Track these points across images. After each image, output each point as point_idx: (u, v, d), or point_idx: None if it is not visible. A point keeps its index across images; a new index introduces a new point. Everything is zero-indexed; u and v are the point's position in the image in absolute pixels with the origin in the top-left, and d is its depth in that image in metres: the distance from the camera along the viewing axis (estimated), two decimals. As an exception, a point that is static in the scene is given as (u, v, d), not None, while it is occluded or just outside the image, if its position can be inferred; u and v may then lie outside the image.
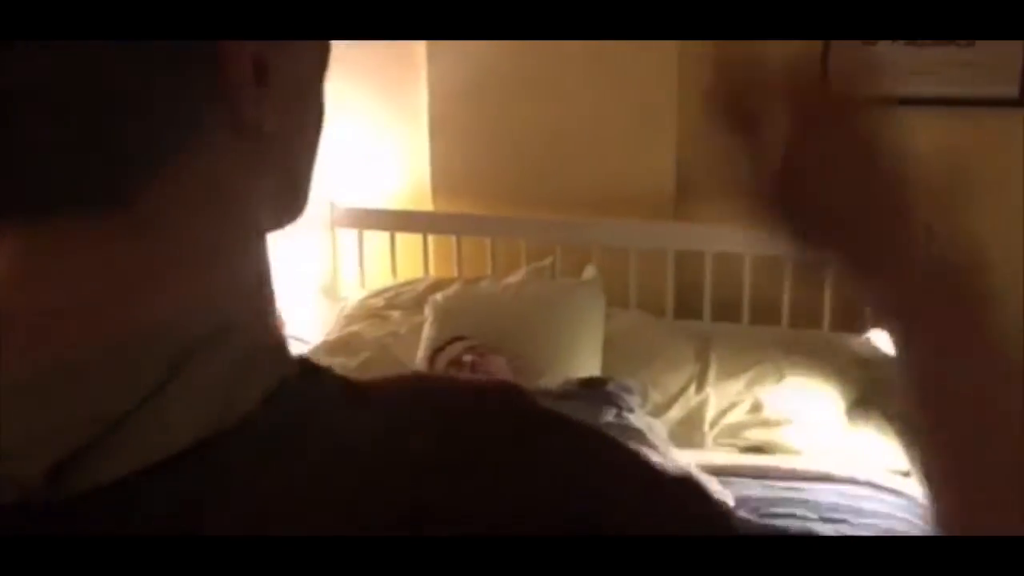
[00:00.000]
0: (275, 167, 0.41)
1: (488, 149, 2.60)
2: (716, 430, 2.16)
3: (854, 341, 2.23)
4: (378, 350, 2.40)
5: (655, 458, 1.77)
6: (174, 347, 0.36)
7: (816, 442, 2.08)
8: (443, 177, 2.66)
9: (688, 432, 2.14)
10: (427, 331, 2.37)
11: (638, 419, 1.93)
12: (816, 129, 0.49)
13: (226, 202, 0.39)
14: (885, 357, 1.83)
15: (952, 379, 0.48)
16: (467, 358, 2.11)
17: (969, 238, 0.50)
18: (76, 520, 0.34)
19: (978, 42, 2.26)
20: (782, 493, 1.89)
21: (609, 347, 2.34)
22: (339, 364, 2.39)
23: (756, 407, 2.16)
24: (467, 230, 2.60)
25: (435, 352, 2.22)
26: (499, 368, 2.12)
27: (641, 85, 2.46)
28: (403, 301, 2.57)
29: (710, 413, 2.18)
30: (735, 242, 2.39)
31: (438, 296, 2.45)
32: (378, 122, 2.70)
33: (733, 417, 2.16)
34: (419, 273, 2.68)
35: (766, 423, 2.13)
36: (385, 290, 2.63)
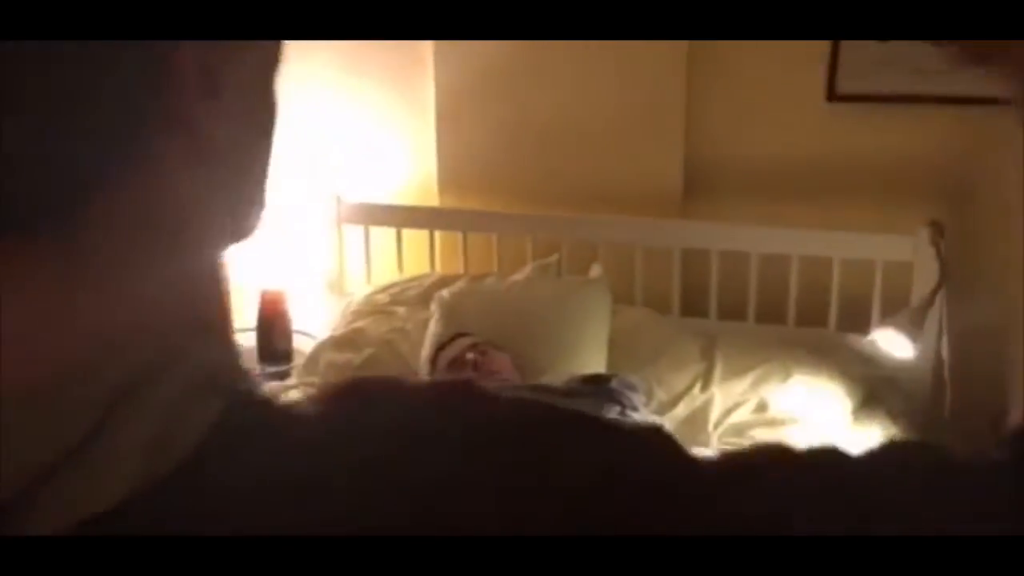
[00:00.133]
0: (225, 181, 0.39)
1: (495, 145, 2.59)
2: (721, 429, 2.15)
3: (861, 341, 2.21)
4: (383, 346, 2.40)
5: None
6: (108, 387, 0.34)
7: (822, 442, 2.07)
8: (450, 173, 2.66)
9: (693, 431, 2.13)
10: (433, 327, 2.37)
11: (642, 417, 1.92)
12: None
13: (173, 221, 0.37)
14: (891, 357, 1.83)
15: None
16: (470, 356, 2.11)
17: None
18: None
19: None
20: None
21: (614, 344, 2.34)
22: (344, 360, 2.40)
23: (762, 406, 2.15)
24: (473, 226, 2.60)
25: (438, 350, 2.21)
26: (503, 366, 2.12)
27: (649, 82, 2.45)
28: (409, 297, 2.56)
29: (715, 412, 2.17)
30: (742, 240, 2.39)
31: (444, 292, 2.44)
32: (385, 117, 2.70)
33: (738, 416, 2.16)
34: (425, 269, 2.68)
35: (772, 423, 2.12)
36: (391, 286, 2.63)
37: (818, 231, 2.34)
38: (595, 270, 2.47)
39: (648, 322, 2.42)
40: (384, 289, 2.62)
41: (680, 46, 2.38)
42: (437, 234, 2.66)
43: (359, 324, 2.49)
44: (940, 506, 0.39)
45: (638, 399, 2.00)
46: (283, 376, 2.58)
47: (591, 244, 2.52)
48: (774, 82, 2.44)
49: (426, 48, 2.58)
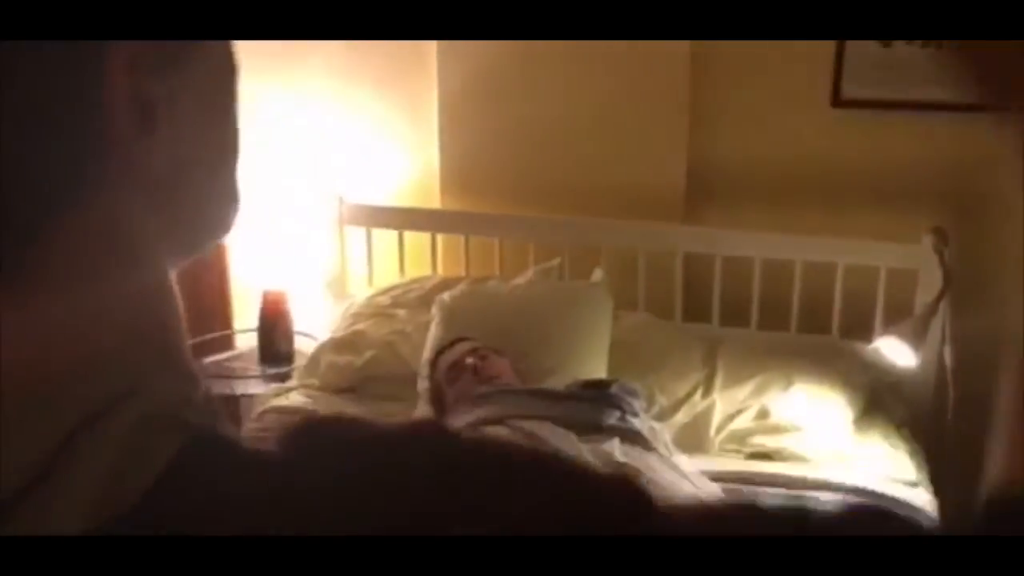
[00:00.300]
0: (173, 207, 0.39)
1: (497, 147, 2.58)
2: (722, 436, 2.14)
3: (863, 348, 2.20)
4: (384, 348, 2.39)
5: (655, 462, 1.75)
6: (60, 426, 0.33)
7: (823, 450, 2.06)
8: (452, 175, 2.65)
9: (694, 437, 2.12)
10: (434, 330, 2.36)
11: (642, 422, 1.91)
12: None
13: (120, 251, 0.37)
14: (894, 366, 1.82)
15: None
16: (469, 360, 2.10)
17: None
18: None
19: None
20: (788, 503, 1.87)
21: (616, 349, 2.33)
22: (345, 362, 2.39)
23: (763, 413, 2.14)
24: (475, 229, 2.59)
25: (438, 354, 2.20)
26: (502, 370, 2.11)
27: (653, 86, 2.44)
28: (410, 299, 2.55)
29: (716, 418, 2.16)
30: (745, 246, 2.37)
31: (445, 296, 2.43)
32: (387, 119, 2.69)
33: (740, 423, 2.14)
34: (427, 271, 2.67)
35: (773, 430, 2.11)
36: (392, 288, 2.62)
37: (822, 237, 2.33)
38: (597, 275, 2.46)
39: (650, 327, 2.41)
40: (385, 291, 2.61)
41: (684, 49, 2.37)
42: (439, 236, 2.65)
43: (360, 326, 2.49)
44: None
45: (638, 404, 1.99)
46: (284, 377, 2.58)
47: (593, 248, 2.51)
48: (779, 87, 2.43)
49: (429, 49, 2.58)
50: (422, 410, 2.18)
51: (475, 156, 2.61)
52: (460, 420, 1.89)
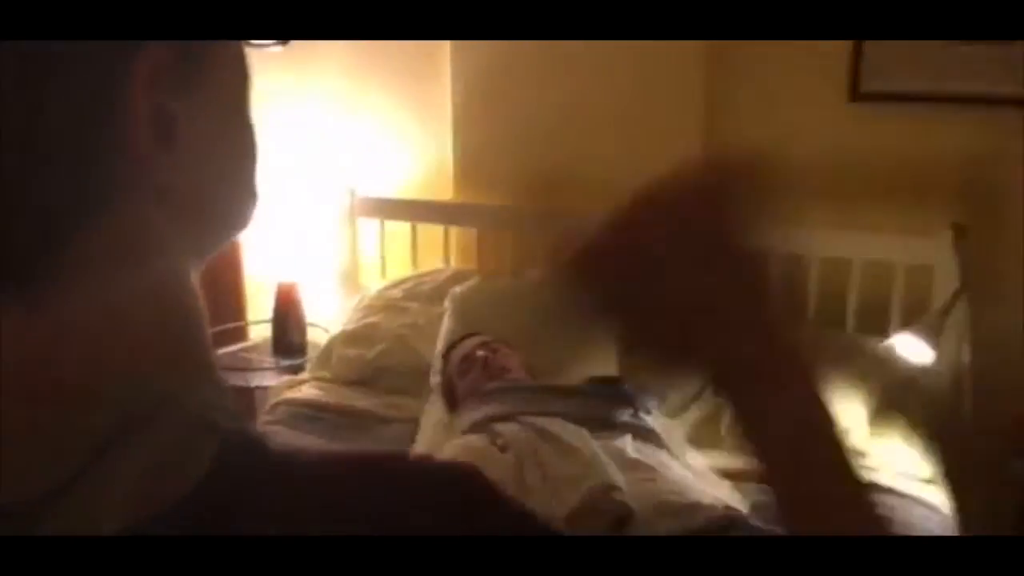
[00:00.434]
0: (193, 215, 0.40)
1: (511, 140, 2.57)
2: (735, 432, 2.13)
3: (879, 345, 2.18)
4: (395, 341, 2.39)
5: (667, 460, 1.73)
6: (97, 431, 0.34)
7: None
8: (466, 167, 2.64)
9: (706, 434, 2.11)
10: (446, 323, 2.35)
11: (655, 420, 1.90)
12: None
13: (145, 262, 0.37)
14: (910, 362, 1.80)
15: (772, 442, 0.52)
16: (480, 353, 2.09)
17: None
18: None
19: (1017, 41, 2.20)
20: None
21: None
22: (356, 354, 2.39)
23: (776, 410, 2.12)
24: (488, 222, 2.58)
25: (449, 349, 2.20)
26: (513, 363, 2.10)
27: (667, 79, 2.42)
28: (422, 292, 2.55)
29: (728, 415, 2.14)
30: (760, 241, 2.35)
31: (456, 289, 2.42)
32: (401, 111, 2.68)
33: (753, 419, 2.13)
34: (439, 264, 2.66)
35: (786, 426, 2.09)
36: (404, 281, 2.62)
37: (838, 232, 2.30)
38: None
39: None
40: (397, 284, 2.61)
41: (699, 43, 2.35)
42: (451, 229, 2.64)
43: (372, 319, 2.48)
44: None
45: (651, 402, 1.98)
46: (297, 369, 2.58)
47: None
48: (796, 80, 2.40)
49: (443, 42, 2.56)
50: (434, 404, 2.18)
51: (488, 149, 2.60)
52: (471, 415, 1.89)
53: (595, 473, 1.61)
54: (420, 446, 2.03)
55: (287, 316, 2.68)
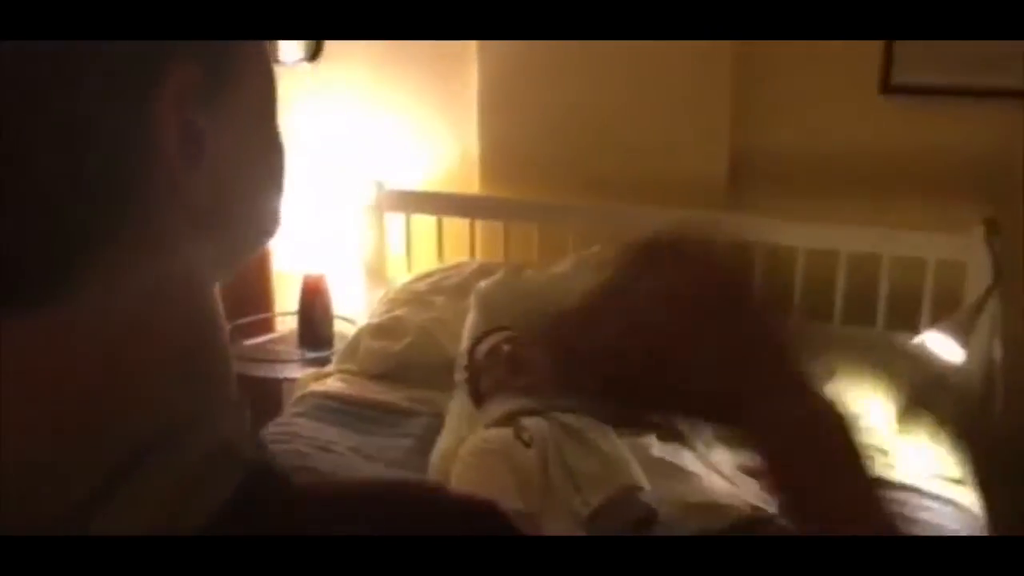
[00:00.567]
0: (217, 233, 0.39)
1: (538, 133, 2.56)
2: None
3: (909, 342, 2.15)
4: (421, 335, 2.39)
5: (689, 460, 1.72)
6: (117, 454, 0.33)
7: (865, 446, 2.02)
8: (492, 161, 2.64)
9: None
10: (471, 318, 2.35)
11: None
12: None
13: (168, 282, 0.37)
14: (940, 360, 1.78)
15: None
16: (506, 348, 2.09)
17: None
18: None
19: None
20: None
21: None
22: (382, 347, 2.39)
23: (804, 407, 2.10)
24: (515, 216, 2.57)
25: (475, 343, 2.20)
26: (537, 360, 2.09)
27: (695, 71, 2.40)
28: (448, 286, 2.55)
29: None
30: (788, 235, 2.33)
31: (482, 284, 2.42)
32: (428, 104, 2.68)
33: (779, 416, 2.11)
34: (465, 257, 2.66)
35: (814, 424, 2.07)
36: (430, 274, 2.62)
37: (868, 227, 2.28)
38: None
39: (690, 317, 2.37)
40: (423, 277, 2.61)
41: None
42: (478, 223, 2.64)
43: (398, 312, 2.49)
44: None
45: None
46: (324, 362, 2.60)
47: (633, 236, 2.47)
48: (825, 72, 2.37)
49: (470, 35, 2.55)
50: (458, 398, 2.18)
51: (515, 142, 2.60)
52: (499, 409, 1.88)
53: (619, 473, 1.61)
54: (444, 440, 2.03)
55: (313, 308, 2.69)
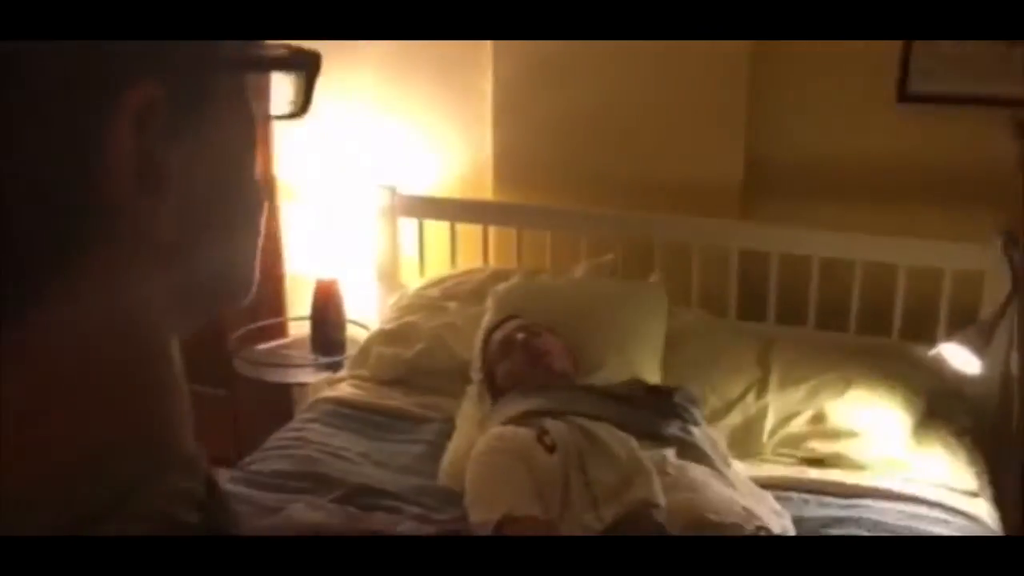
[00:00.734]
0: (179, 275, 0.37)
1: (552, 139, 2.55)
2: (776, 439, 2.09)
3: (925, 353, 2.13)
4: (433, 341, 2.39)
5: (705, 475, 1.69)
6: (41, 521, 0.31)
7: (880, 457, 2.00)
8: (505, 167, 2.63)
9: (746, 440, 2.08)
10: (487, 319, 2.33)
11: (701, 432, 1.85)
12: None
13: (118, 322, 0.34)
14: (957, 372, 1.76)
15: None
16: (520, 336, 2.06)
17: None
18: None
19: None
20: (840, 512, 1.82)
21: (669, 346, 2.28)
22: (394, 353, 2.39)
23: (818, 418, 2.08)
24: (528, 222, 2.57)
25: (490, 332, 2.18)
26: (553, 348, 2.06)
27: (710, 78, 2.38)
28: (461, 292, 2.54)
29: (770, 422, 2.11)
30: (804, 244, 2.31)
31: (500, 287, 2.41)
32: (441, 110, 2.67)
33: (794, 427, 2.09)
34: (478, 263, 2.66)
35: (828, 435, 2.05)
36: (443, 280, 2.61)
37: (884, 237, 2.26)
38: (654, 277, 2.41)
39: (704, 325, 2.36)
40: (436, 283, 2.61)
41: (743, 41, 2.31)
42: (491, 229, 2.63)
43: (410, 318, 2.48)
44: None
45: (699, 414, 1.93)
46: (336, 367, 2.59)
47: (647, 243, 2.47)
48: (843, 80, 2.35)
49: (485, 41, 2.55)
50: (470, 401, 2.16)
51: (528, 148, 2.59)
52: (517, 407, 1.85)
53: (638, 487, 1.58)
54: (455, 444, 2.02)
55: (326, 313, 2.69)
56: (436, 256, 2.71)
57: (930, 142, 2.31)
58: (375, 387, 2.36)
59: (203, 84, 0.36)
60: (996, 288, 2.11)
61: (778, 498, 1.77)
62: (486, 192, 2.66)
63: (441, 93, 2.66)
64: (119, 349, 0.35)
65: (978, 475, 2.00)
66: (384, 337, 2.45)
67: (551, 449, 1.67)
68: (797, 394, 2.13)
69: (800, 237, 2.32)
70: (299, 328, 2.82)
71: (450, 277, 2.61)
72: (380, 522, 1.75)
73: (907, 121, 2.32)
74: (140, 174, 0.33)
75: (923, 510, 1.84)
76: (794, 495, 1.86)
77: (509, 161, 2.62)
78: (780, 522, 1.64)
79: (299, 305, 2.83)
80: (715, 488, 1.64)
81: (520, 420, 1.79)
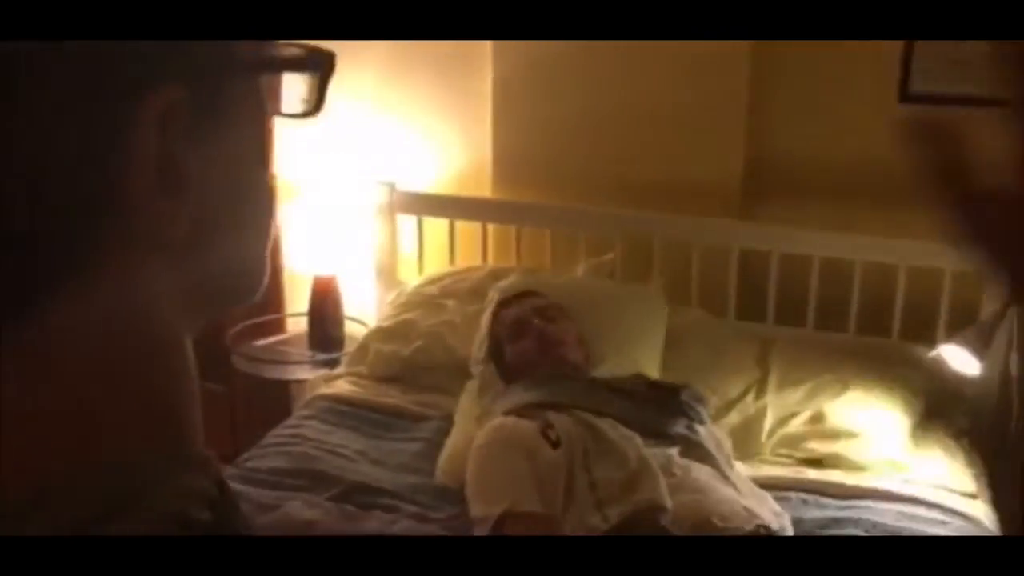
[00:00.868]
0: (194, 273, 0.37)
1: (551, 138, 2.55)
2: (774, 440, 2.09)
3: (924, 354, 2.13)
4: (431, 338, 2.38)
5: (707, 475, 1.68)
6: (56, 521, 0.30)
7: (878, 458, 2.00)
8: (505, 164, 2.62)
9: (745, 440, 2.07)
10: (488, 315, 2.31)
11: (707, 431, 1.84)
12: None
13: (133, 319, 0.35)
14: (956, 373, 1.75)
15: None
16: (536, 322, 2.01)
17: None
18: None
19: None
20: (838, 513, 1.81)
21: (668, 346, 2.28)
22: (391, 351, 2.38)
23: (817, 418, 2.08)
24: (527, 220, 2.56)
25: (501, 305, 2.12)
26: (567, 336, 2.00)
27: (710, 76, 2.38)
28: (459, 290, 2.53)
29: (769, 422, 2.10)
30: (803, 244, 2.31)
31: (502, 283, 2.40)
32: (441, 107, 2.67)
33: (793, 427, 2.09)
34: (477, 261, 2.65)
35: (827, 436, 2.05)
36: (441, 278, 2.61)
37: (884, 237, 2.25)
38: (654, 281, 2.40)
39: (703, 324, 2.36)
40: (435, 281, 2.60)
41: (744, 41, 2.30)
42: (490, 226, 2.63)
43: (408, 315, 2.48)
44: None
45: (705, 413, 1.92)
46: (334, 363, 2.59)
47: (647, 242, 2.46)
48: (843, 80, 2.35)
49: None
50: (469, 396, 2.15)
51: (528, 146, 2.58)
52: (523, 398, 1.83)
53: (644, 488, 1.56)
54: (453, 440, 2.01)
55: (324, 310, 2.68)
56: (435, 253, 2.70)
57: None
58: (373, 384, 2.35)
59: (223, 86, 0.36)
60: (996, 290, 2.11)
61: (777, 498, 1.76)
62: (485, 190, 2.66)
63: (440, 90, 2.66)
64: (136, 346, 0.35)
65: (976, 476, 2.00)
66: (382, 334, 2.45)
67: (555, 444, 1.64)
68: (796, 394, 2.13)
69: (800, 237, 2.32)
70: (297, 324, 2.81)
71: (449, 275, 2.61)
72: (378, 520, 1.74)
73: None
74: (161, 176, 0.33)
75: (921, 511, 1.84)
76: (793, 496, 1.86)
77: (508, 159, 2.61)
78: (780, 522, 1.64)
79: (297, 301, 2.83)
80: (720, 490, 1.62)
81: (523, 412, 1.77)
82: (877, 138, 2.35)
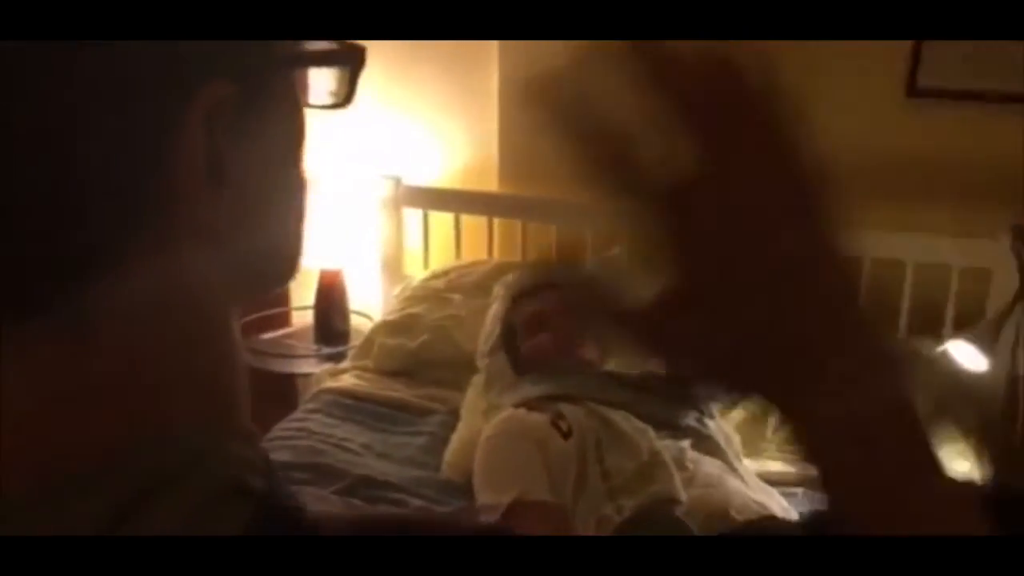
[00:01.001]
0: (236, 259, 0.38)
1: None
2: (780, 436, 2.08)
3: (932, 349, 2.12)
4: (437, 332, 2.38)
5: (718, 469, 1.68)
6: (122, 488, 0.32)
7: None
8: (511, 159, 2.62)
9: (750, 436, 2.07)
10: (495, 309, 2.31)
11: (717, 426, 1.84)
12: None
13: (183, 305, 0.36)
14: (963, 370, 1.74)
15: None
16: (556, 317, 1.95)
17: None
18: None
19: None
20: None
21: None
22: (397, 344, 2.38)
23: (823, 413, 2.07)
24: (533, 214, 2.56)
25: (519, 297, 2.08)
26: (586, 345, 1.98)
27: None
28: (465, 284, 2.54)
29: (774, 418, 2.09)
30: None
31: (508, 277, 2.40)
32: (447, 101, 2.66)
33: (798, 423, 2.08)
34: (483, 255, 2.65)
35: (833, 431, 2.04)
36: (447, 272, 2.61)
37: (891, 233, 2.25)
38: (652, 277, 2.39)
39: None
40: (440, 275, 2.60)
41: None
42: (496, 221, 2.62)
43: (414, 309, 2.48)
44: None
45: (715, 408, 1.91)
46: (339, 357, 2.59)
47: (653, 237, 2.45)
48: (850, 74, 2.34)
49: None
50: (475, 390, 2.15)
51: (535, 140, 2.57)
52: (533, 390, 1.82)
53: (658, 480, 1.55)
54: (459, 434, 2.01)
55: (330, 304, 2.68)
56: (440, 248, 2.70)
57: (939, 138, 2.30)
58: (378, 378, 2.35)
59: (266, 81, 0.37)
60: (1004, 285, 2.10)
61: (783, 494, 1.76)
62: (491, 184, 2.66)
63: (446, 85, 2.65)
64: (184, 325, 0.37)
65: (983, 474, 1.99)
66: (388, 328, 2.45)
67: (567, 435, 1.63)
68: (802, 390, 2.12)
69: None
70: (302, 318, 2.82)
71: (454, 269, 2.61)
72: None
73: (915, 116, 2.31)
74: (208, 170, 0.34)
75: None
76: (799, 491, 1.85)
77: (514, 153, 2.61)
78: (788, 518, 1.63)
79: (303, 295, 2.83)
80: (731, 483, 1.62)
81: (533, 404, 1.76)
82: (884, 133, 2.36)
